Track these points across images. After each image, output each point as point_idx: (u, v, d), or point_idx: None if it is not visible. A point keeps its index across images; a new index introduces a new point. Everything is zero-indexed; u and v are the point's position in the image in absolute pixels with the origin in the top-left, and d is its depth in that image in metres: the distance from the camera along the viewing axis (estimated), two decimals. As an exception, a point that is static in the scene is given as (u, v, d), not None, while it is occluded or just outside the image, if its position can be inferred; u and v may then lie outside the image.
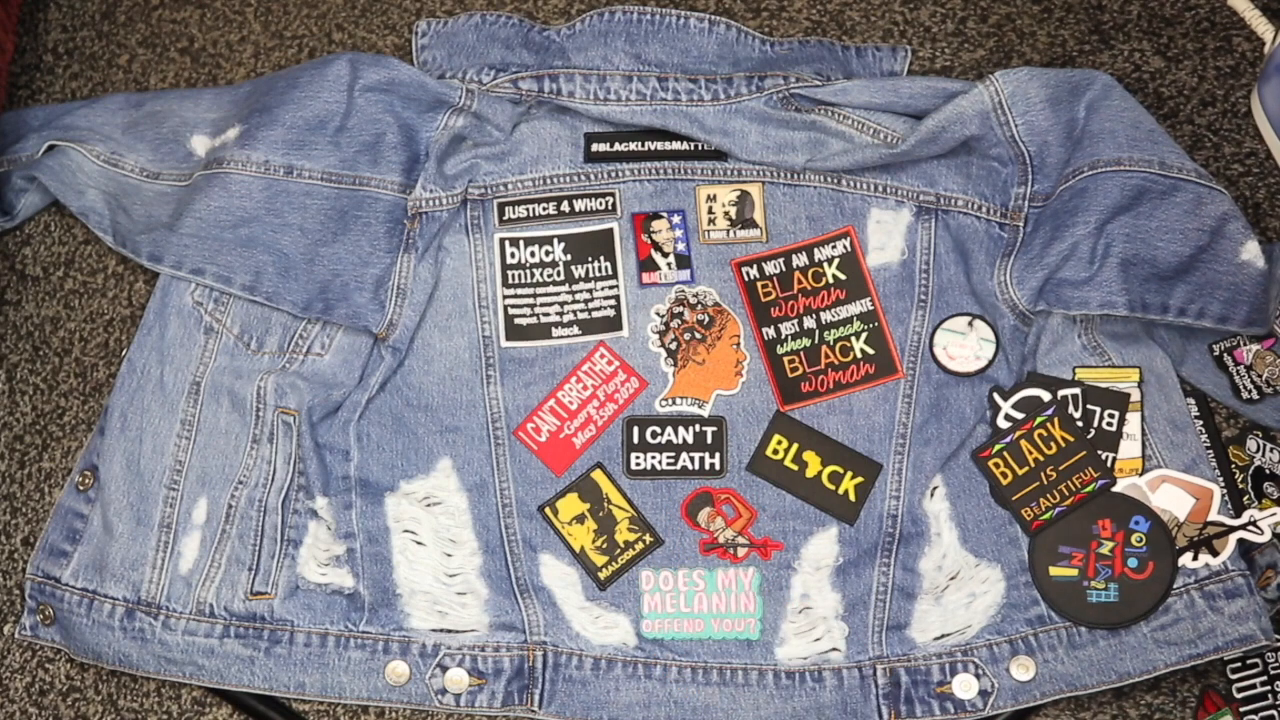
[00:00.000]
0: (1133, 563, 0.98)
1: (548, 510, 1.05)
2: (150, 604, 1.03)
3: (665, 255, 1.10)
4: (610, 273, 1.10)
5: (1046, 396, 1.02)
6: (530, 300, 1.09)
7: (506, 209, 1.11)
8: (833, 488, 1.04)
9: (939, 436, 1.04)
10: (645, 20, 1.13)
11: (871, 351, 1.07)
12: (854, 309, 1.08)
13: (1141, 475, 1.00)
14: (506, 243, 1.10)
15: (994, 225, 1.07)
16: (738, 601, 1.03)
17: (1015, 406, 1.02)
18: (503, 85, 1.10)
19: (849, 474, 1.04)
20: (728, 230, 1.10)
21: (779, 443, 1.05)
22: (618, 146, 1.11)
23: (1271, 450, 1.03)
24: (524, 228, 1.11)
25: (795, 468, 1.05)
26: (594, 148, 1.11)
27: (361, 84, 1.09)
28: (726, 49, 1.13)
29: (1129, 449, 1.01)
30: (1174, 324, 1.01)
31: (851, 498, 1.03)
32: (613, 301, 1.09)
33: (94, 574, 1.04)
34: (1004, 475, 1.01)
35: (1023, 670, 0.98)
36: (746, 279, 1.09)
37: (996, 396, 1.03)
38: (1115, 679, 0.97)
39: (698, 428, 1.06)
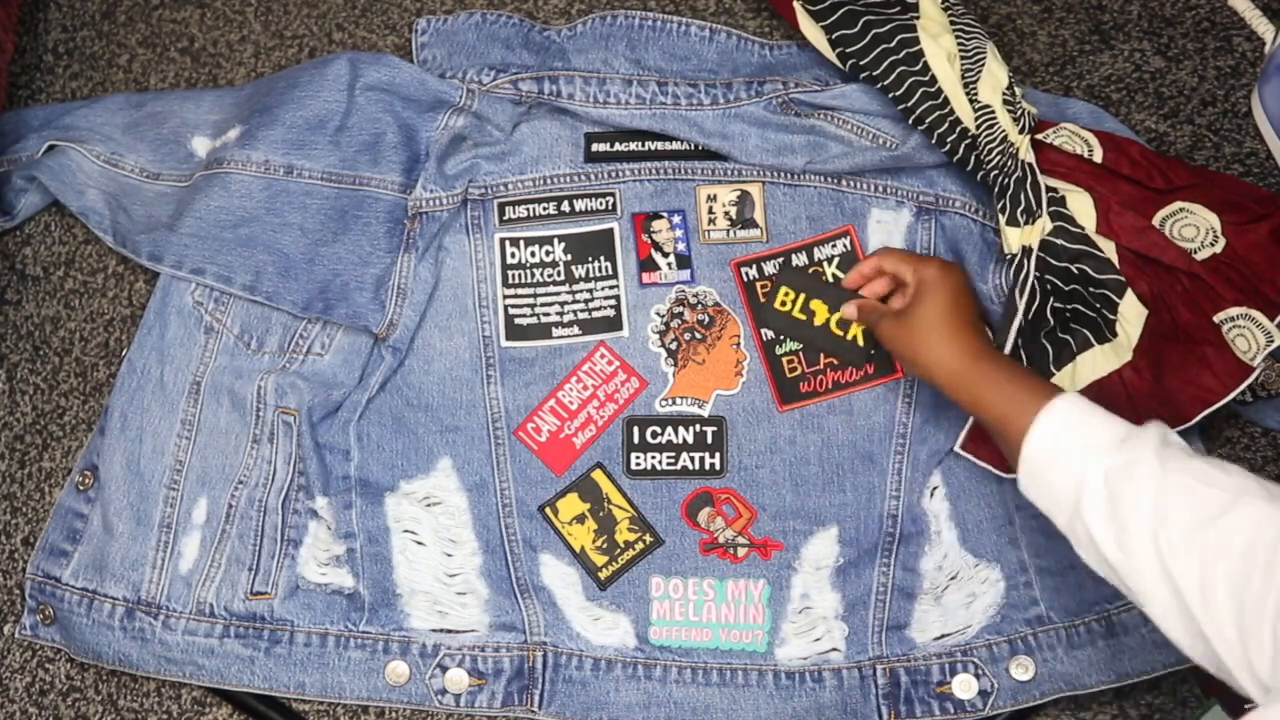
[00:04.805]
0: None
1: (548, 510, 1.05)
2: (150, 604, 1.03)
3: (665, 255, 1.10)
4: (610, 273, 1.10)
5: None
6: (530, 300, 1.09)
7: (507, 209, 1.11)
8: (841, 334, 1.05)
9: (938, 436, 1.04)
10: (646, 26, 1.13)
11: (871, 350, 1.06)
12: (854, 309, 1.08)
13: None
14: (507, 242, 1.10)
15: (988, 229, 1.07)
16: (746, 613, 1.03)
17: None
18: (503, 85, 1.10)
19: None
20: (728, 230, 1.10)
21: (786, 294, 1.06)
22: (618, 146, 1.11)
23: None
24: (524, 228, 1.11)
25: (803, 316, 1.05)
26: (594, 148, 1.11)
27: (362, 83, 1.09)
28: (726, 56, 1.13)
29: None
30: None
31: (860, 342, 1.04)
32: (613, 301, 1.09)
33: (94, 574, 1.04)
34: None
35: (1022, 670, 0.98)
36: (746, 279, 1.09)
37: None
38: (1115, 679, 0.97)
39: (698, 428, 1.06)
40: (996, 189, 1.01)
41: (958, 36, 1.03)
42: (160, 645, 1.02)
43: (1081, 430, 0.79)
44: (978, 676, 0.99)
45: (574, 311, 1.09)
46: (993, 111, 1.01)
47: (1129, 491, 0.74)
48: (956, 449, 1.00)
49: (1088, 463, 0.77)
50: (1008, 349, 0.98)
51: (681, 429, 1.06)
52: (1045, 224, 1.01)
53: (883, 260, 1.00)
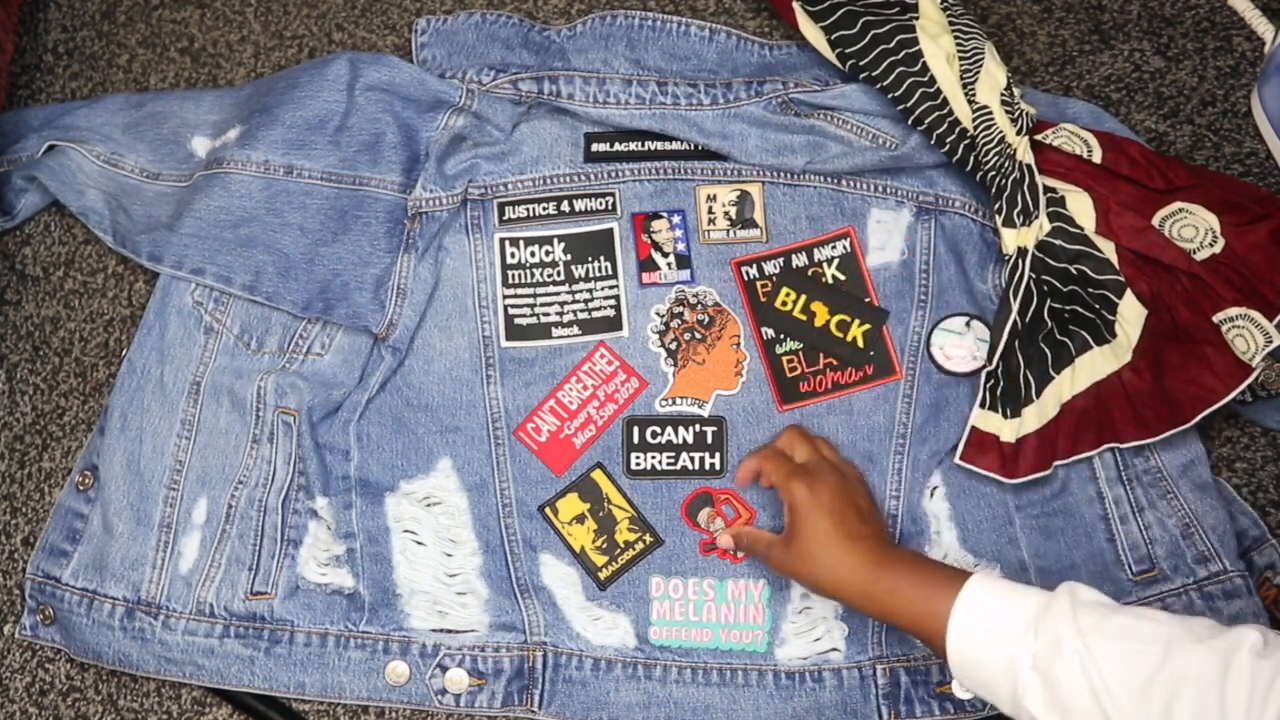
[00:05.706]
0: None
1: (548, 510, 1.05)
2: (150, 604, 1.03)
3: (665, 255, 1.10)
4: (610, 273, 1.10)
5: None
6: (530, 300, 1.09)
7: (506, 209, 1.11)
8: (840, 335, 1.05)
9: (938, 436, 1.04)
10: (646, 26, 1.13)
11: (870, 352, 1.07)
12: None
13: None
14: (506, 243, 1.10)
15: (988, 229, 1.07)
16: (746, 613, 1.03)
17: None
18: (502, 85, 1.10)
19: (855, 322, 1.05)
20: (728, 230, 1.10)
21: (787, 294, 1.06)
22: (618, 146, 1.11)
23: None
24: (524, 228, 1.11)
25: (804, 317, 1.06)
26: (594, 147, 1.11)
27: (362, 83, 1.09)
28: (726, 57, 1.13)
29: None
30: None
31: (860, 344, 1.05)
32: (613, 301, 1.09)
33: (94, 574, 1.04)
34: None
35: (1022, 670, 0.98)
36: (746, 279, 1.09)
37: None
38: (1114, 679, 0.97)
39: (698, 428, 1.06)
40: (994, 190, 1.01)
41: (956, 37, 1.04)
42: (160, 645, 1.02)
43: (995, 617, 0.79)
44: (977, 676, 0.99)
45: (574, 311, 1.09)
46: (990, 112, 1.01)
47: (1061, 672, 0.74)
48: (957, 461, 1.00)
49: (1013, 652, 0.77)
50: (999, 352, 0.98)
51: (681, 429, 1.06)
52: (1042, 226, 1.01)
53: (763, 464, 0.96)
